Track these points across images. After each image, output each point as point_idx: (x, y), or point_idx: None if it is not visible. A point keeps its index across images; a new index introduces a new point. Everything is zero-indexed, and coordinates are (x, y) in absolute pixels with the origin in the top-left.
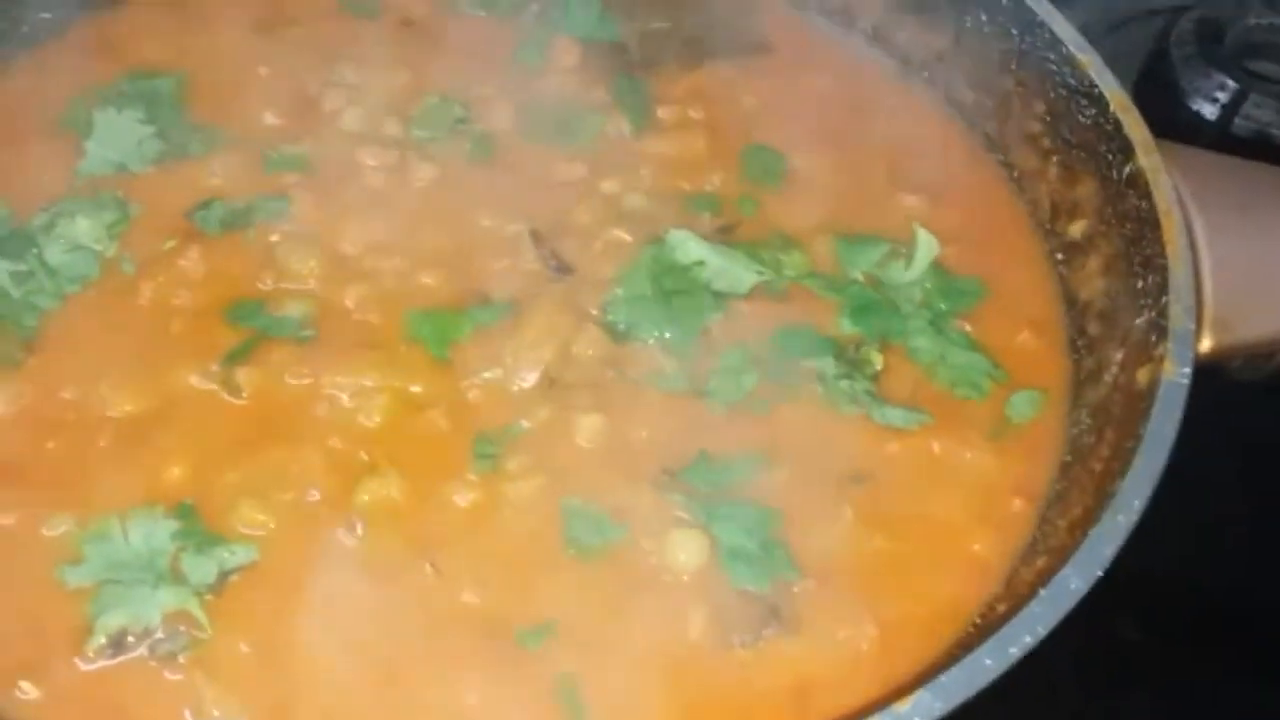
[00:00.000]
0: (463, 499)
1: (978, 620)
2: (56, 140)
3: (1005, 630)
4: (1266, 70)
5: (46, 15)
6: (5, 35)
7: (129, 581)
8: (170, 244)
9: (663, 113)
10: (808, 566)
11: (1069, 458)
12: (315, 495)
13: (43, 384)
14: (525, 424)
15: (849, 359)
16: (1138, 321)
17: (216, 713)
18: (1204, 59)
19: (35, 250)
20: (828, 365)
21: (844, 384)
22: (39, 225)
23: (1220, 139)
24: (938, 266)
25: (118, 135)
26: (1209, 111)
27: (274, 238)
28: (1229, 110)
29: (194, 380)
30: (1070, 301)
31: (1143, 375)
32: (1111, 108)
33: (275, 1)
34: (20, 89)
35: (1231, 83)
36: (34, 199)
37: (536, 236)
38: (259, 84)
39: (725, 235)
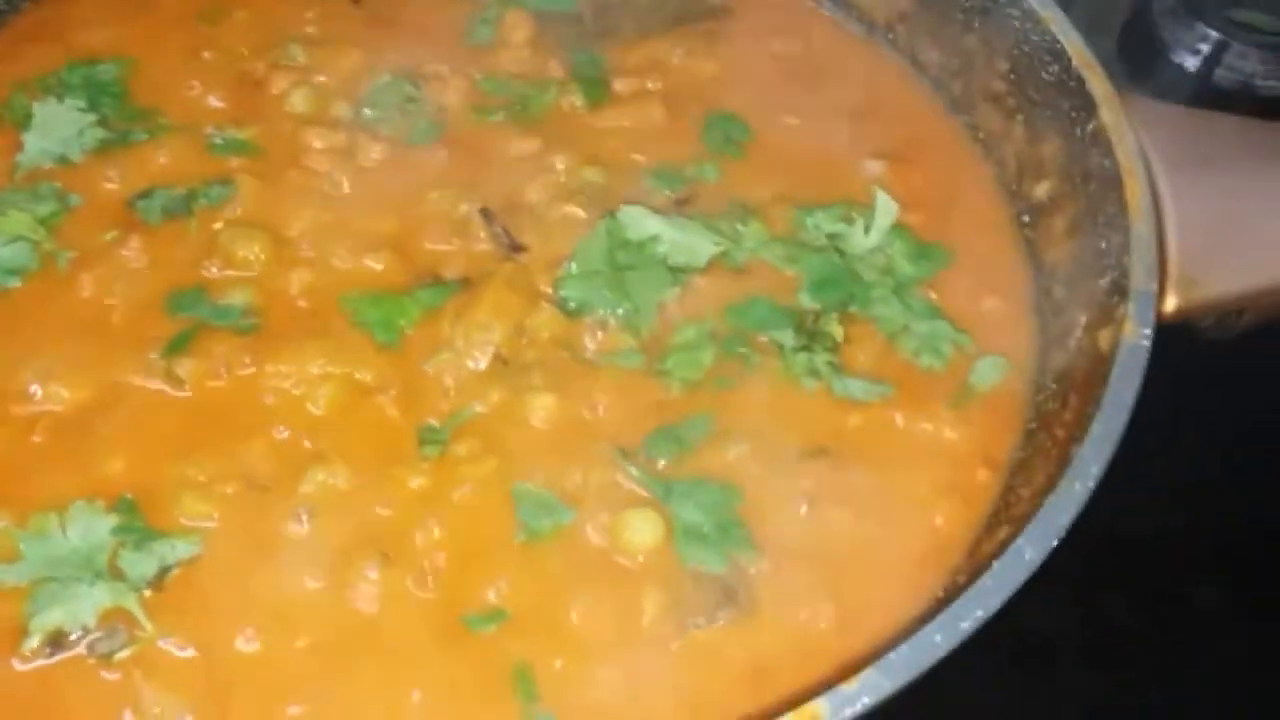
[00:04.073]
0: (412, 485)
1: (940, 594)
2: None
3: (956, 605)
4: (1249, 19)
5: None
6: None
7: (66, 579)
8: (111, 235)
9: (619, 85)
10: (766, 545)
11: (1034, 425)
12: (259, 486)
13: None
14: (477, 407)
15: (809, 331)
16: (1101, 282)
17: (157, 710)
18: (1186, 9)
19: None
20: (787, 338)
21: (803, 357)
22: None
23: (1202, 90)
24: (902, 232)
25: (58, 125)
26: (1190, 63)
27: (217, 225)
28: (1210, 61)
29: (134, 373)
30: (1036, 265)
31: (1104, 338)
32: (1074, 64)
33: None
34: None
35: (1213, 33)
36: None
37: (487, 214)
38: (204, 68)
39: (682, 208)
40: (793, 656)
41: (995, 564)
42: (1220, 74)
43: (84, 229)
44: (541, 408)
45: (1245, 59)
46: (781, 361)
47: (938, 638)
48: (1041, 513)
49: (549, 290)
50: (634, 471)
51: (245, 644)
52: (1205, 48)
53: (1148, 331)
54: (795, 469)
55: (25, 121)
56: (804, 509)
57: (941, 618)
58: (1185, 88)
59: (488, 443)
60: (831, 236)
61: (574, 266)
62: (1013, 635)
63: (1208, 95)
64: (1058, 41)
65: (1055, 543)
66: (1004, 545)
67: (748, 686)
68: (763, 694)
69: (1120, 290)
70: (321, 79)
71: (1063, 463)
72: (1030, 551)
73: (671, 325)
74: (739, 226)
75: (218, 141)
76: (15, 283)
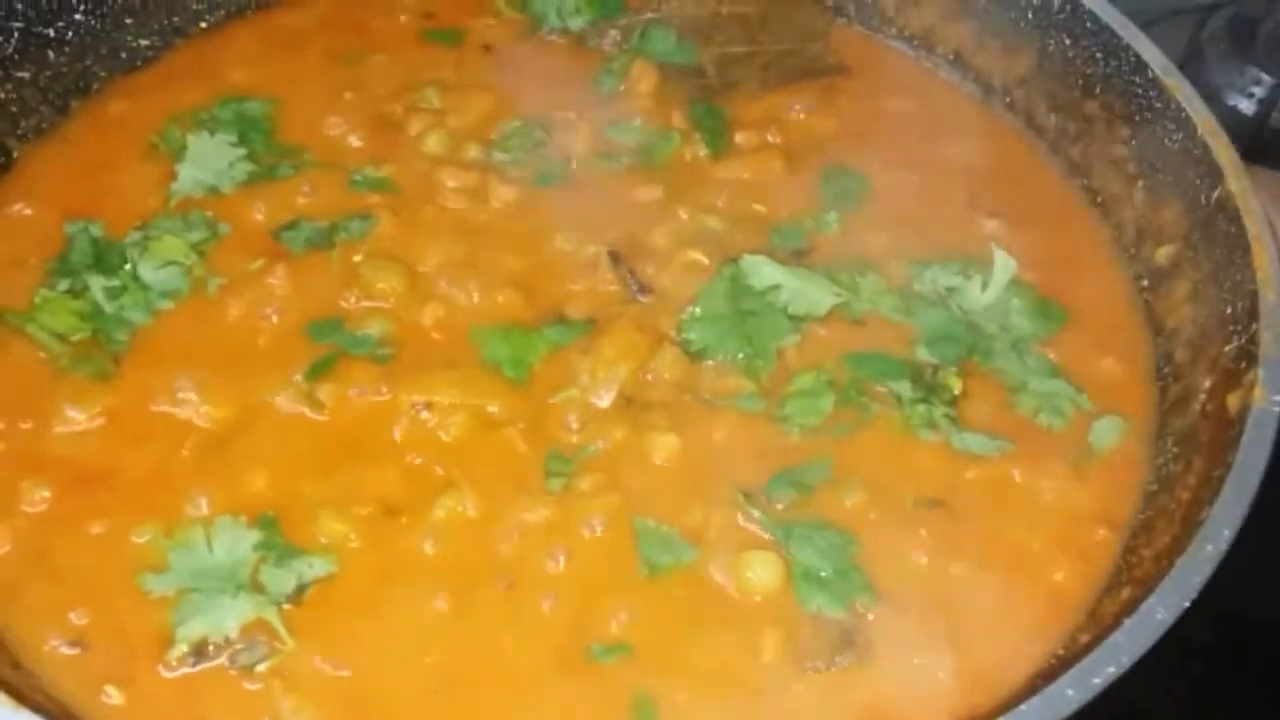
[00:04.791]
0: (537, 516)
1: (1060, 651)
2: (151, 162)
3: (1088, 660)
4: None
5: (144, 42)
6: (105, 61)
7: (210, 591)
8: (258, 263)
9: (740, 137)
10: (884, 592)
11: (1155, 486)
12: (392, 510)
13: (132, 396)
14: (601, 443)
15: (926, 383)
16: (1227, 348)
17: None
18: (1238, 55)
19: (129, 267)
20: (904, 389)
21: (921, 408)
22: (132, 243)
23: (1257, 134)
24: (1021, 289)
25: (210, 157)
26: (1245, 107)
27: (356, 257)
28: (1266, 105)
29: (277, 395)
30: (1156, 328)
31: (1233, 402)
32: (1200, 132)
33: (361, 30)
34: (118, 113)
35: (1267, 77)
36: (129, 218)
37: (615, 257)
38: (345, 108)
39: (801, 259)
40: (911, 704)
41: (1127, 621)
42: (1276, 117)
43: (232, 257)
44: (664, 446)
45: None
46: (899, 412)
47: (1070, 691)
48: (1174, 573)
49: (672, 333)
50: (755, 513)
51: (377, 661)
52: (1260, 91)
53: (1278, 398)
54: (912, 518)
55: (179, 153)
56: (922, 559)
57: (1074, 672)
58: (1242, 132)
59: (611, 478)
60: (948, 291)
61: (697, 310)
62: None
63: (1264, 140)
64: (1183, 110)
65: (1187, 604)
66: (1134, 604)
67: None
68: None
69: (1249, 356)
70: (455, 122)
71: (1188, 525)
72: (1162, 612)
73: (790, 372)
74: (857, 279)
75: (358, 178)
76: (168, 304)
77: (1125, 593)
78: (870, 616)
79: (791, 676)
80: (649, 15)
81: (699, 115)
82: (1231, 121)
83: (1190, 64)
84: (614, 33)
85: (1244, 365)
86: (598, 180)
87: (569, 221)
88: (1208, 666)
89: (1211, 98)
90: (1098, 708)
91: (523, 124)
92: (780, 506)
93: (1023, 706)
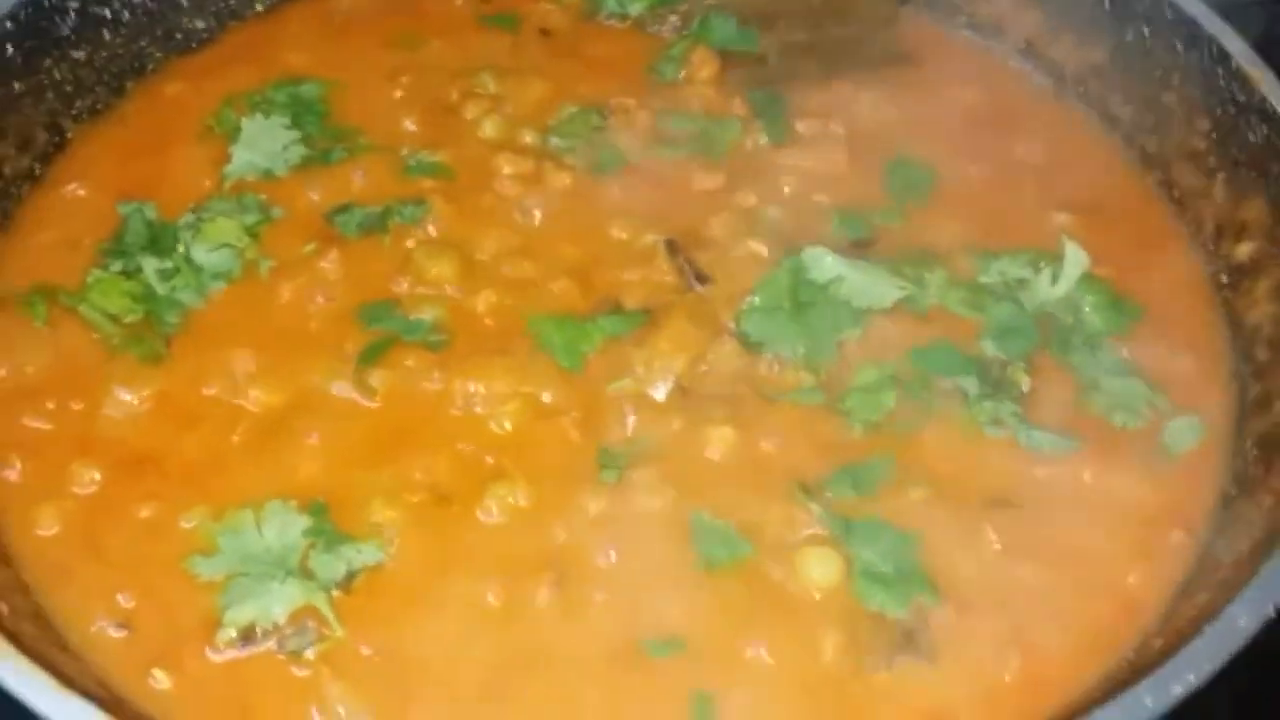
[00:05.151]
0: (590, 508)
1: (1131, 656)
2: (205, 144)
3: (1167, 667)
4: None
5: (199, 24)
6: (160, 42)
7: (259, 575)
8: (311, 247)
9: (801, 125)
10: (948, 592)
11: (1233, 490)
12: (443, 498)
13: (183, 378)
14: (656, 435)
15: (993, 379)
16: None
17: (341, 710)
18: None
19: (181, 248)
20: (970, 385)
21: (988, 405)
22: (185, 224)
23: None
24: (1094, 284)
25: (263, 140)
26: None
27: (410, 242)
28: None
29: (329, 380)
30: (1235, 325)
31: None
32: None
33: (418, 14)
34: (172, 94)
35: None
36: (182, 200)
37: (672, 246)
38: (401, 92)
39: (863, 250)
40: (975, 706)
41: (1208, 628)
42: None
43: (285, 240)
44: (720, 439)
45: None
46: (965, 408)
47: (1148, 700)
48: (1257, 579)
49: (730, 324)
50: (815, 508)
51: (425, 651)
52: None
53: None
54: (978, 517)
55: (233, 135)
56: (988, 558)
57: (1151, 679)
58: None
59: (666, 471)
60: (1018, 284)
61: (756, 300)
62: None
63: None
64: (1266, 101)
65: (1272, 612)
66: (1213, 609)
67: None
68: None
69: None
70: (511, 108)
71: (1271, 531)
72: (1244, 619)
73: (852, 366)
74: (923, 272)
75: (412, 163)
76: (221, 286)
77: (1202, 598)
78: (933, 616)
79: (851, 676)
80: (710, 1)
81: (760, 103)
82: None
83: (1265, 55)
84: (674, 19)
85: None
86: (655, 168)
87: (626, 210)
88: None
89: None
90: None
91: (580, 110)
92: (840, 502)
93: (1098, 713)
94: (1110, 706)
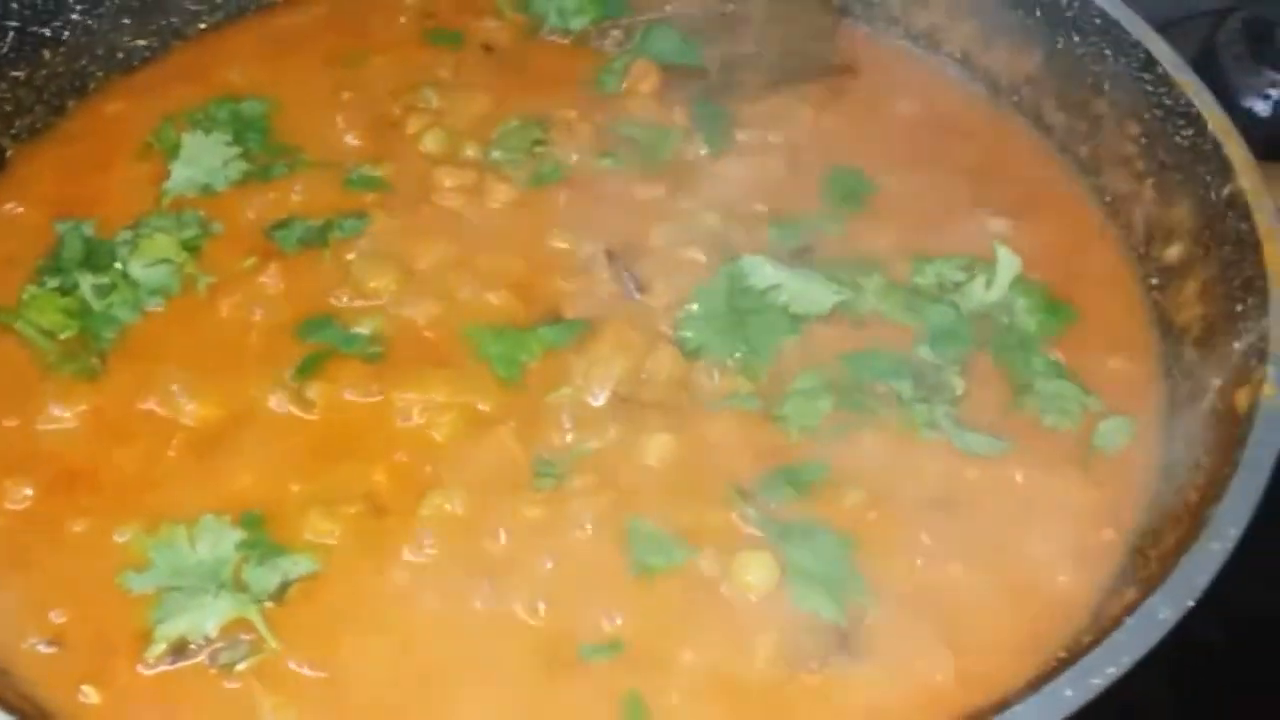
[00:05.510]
0: (527, 516)
1: (1062, 654)
2: (145, 162)
3: (1087, 659)
4: None
5: (141, 43)
6: (101, 61)
7: (190, 589)
8: (250, 262)
9: (742, 136)
10: (881, 594)
11: (1162, 487)
12: (380, 508)
13: (119, 394)
14: (594, 443)
15: (928, 383)
16: (1236, 345)
17: None
18: (1253, 58)
19: (119, 265)
20: (905, 388)
21: (922, 408)
22: (122, 241)
23: (1273, 137)
24: (1027, 287)
25: (204, 156)
26: (1261, 109)
27: (350, 255)
28: None
29: (266, 394)
30: (1164, 326)
31: (1241, 399)
32: (1210, 128)
33: (360, 33)
34: (113, 113)
35: None
36: (122, 218)
37: (612, 256)
38: (342, 108)
39: (801, 258)
40: (908, 707)
41: (1128, 620)
42: None
43: (224, 256)
44: (658, 446)
45: None
46: (900, 412)
47: (1068, 691)
48: (1178, 572)
49: (669, 332)
50: (751, 512)
51: (360, 661)
52: (1276, 93)
53: None
54: (912, 519)
55: (173, 151)
56: (921, 560)
57: (1072, 671)
58: (1257, 134)
59: (604, 478)
60: (954, 288)
61: (695, 308)
62: None
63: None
64: (1193, 106)
65: (1191, 604)
66: (1136, 603)
67: None
68: None
69: (1259, 354)
70: (452, 122)
71: (1197, 524)
72: (1165, 611)
73: (789, 372)
74: (859, 278)
75: (353, 178)
76: (158, 303)
77: (1130, 594)
78: (867, 618)
79: (786, 678)
80: (651, 15)
81: (701, 114)
82: (1247, 124)
83: (1205, 66)
84: (616, 33)
85: (1254, 362)
86: (596, 179)
87: (566, 221)
88: (1217, 667)
89: (1227, 100)
90: (1102, 707)
91: (521, 123)
92: (776, 506)
93: (1018, 707)
94: (1033, 700)
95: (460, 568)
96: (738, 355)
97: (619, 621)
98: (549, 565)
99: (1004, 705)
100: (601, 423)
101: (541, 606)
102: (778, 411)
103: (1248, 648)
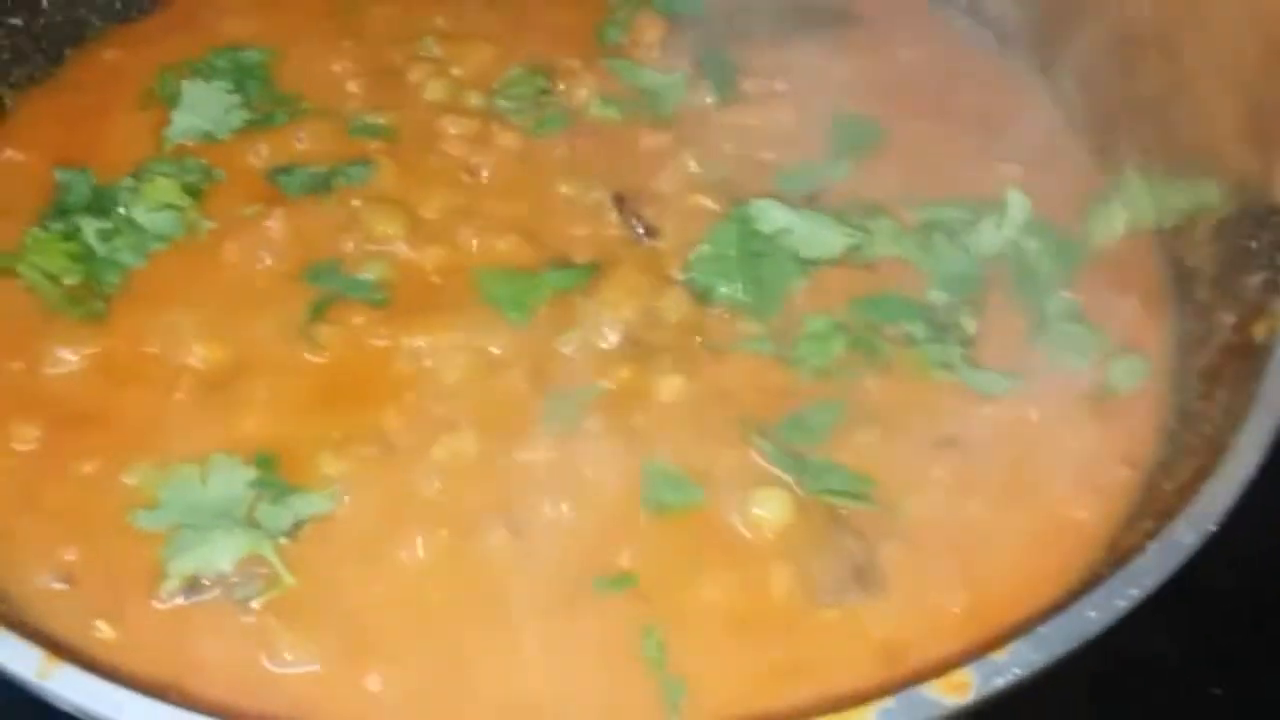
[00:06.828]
0: (539, 456)
1: (1077, 587)
2: (145, 110)
3: (1111, 581)
4: None
5: None
6: (100, 10)
7: (202, 526)
8: (254, 208)
9: (748, 85)
10: (897, 529)
11: (1176, 424)
12: (392, 449)
13: (125, 337)
14: (605, 384)
15: (940, 324)
16: (1251, 280)
17: (289, 656)
18: None
19: (122, 209)
20: (918, 330)
21: (935, 348)
22: (125, 186)
23: None
24: (1039, 229)
25: (205, 104)
26: None
27: (356, 201)
28: None
29: (274, 337)
30: (1177, 266)
31: (1259, 331)
32: None
33: None
34: (112, 61)
35: None
36: (122, 165)
37: (620, 200)
38: (344, 57)
39: (810, 205)
40: (924, 638)
41: (1152, 545)
42: None
43: (227, 202)
44: (670, 388)
45: None
46: (912, 352)
47: (1092, 613)
48: (1200, 496)
49: (679, 275)
50: (768, 447)
51: (374, 599)
52: None
53: None
54: (926, 456)
55: (174, 100)
56: (937, 496)
57: (1097, 593)
58: None
59: (615, 419)
60: (963, 230)
61: (705, 249)
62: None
63: None
64: None
65: (1213, 528)
66: (1159, 528)
67: (879, 664)
68: (895, 671)
69: (1274, 287)
70: (456, 70)
71: (1215, 452)
72: (1188, 535)
73: (800, 315)
74: (868, 223)
75: (356, 125)
76: (162, 247)
77: (1147, 525)
78: (882, 552)
79: (803, 612)
80: None
81: (707, 63)
82: None
83: None
84: None
85: (1270, 296)
86: (603, 128)
87: (573, 168)
88: (1226, 613)
89: None
90: (1113, 653)
91: (525, 72)
92: (792, 447)
93: (1042, 628)
94: (1057, 620)
95: (473, 506)
96: (747, 297)
97: (633, 558)
98: (562, 504)
99: (1028, 627)
100: (612, 365)
101: (554, 544)
102: (790, 354)
103: (1255, 593)
